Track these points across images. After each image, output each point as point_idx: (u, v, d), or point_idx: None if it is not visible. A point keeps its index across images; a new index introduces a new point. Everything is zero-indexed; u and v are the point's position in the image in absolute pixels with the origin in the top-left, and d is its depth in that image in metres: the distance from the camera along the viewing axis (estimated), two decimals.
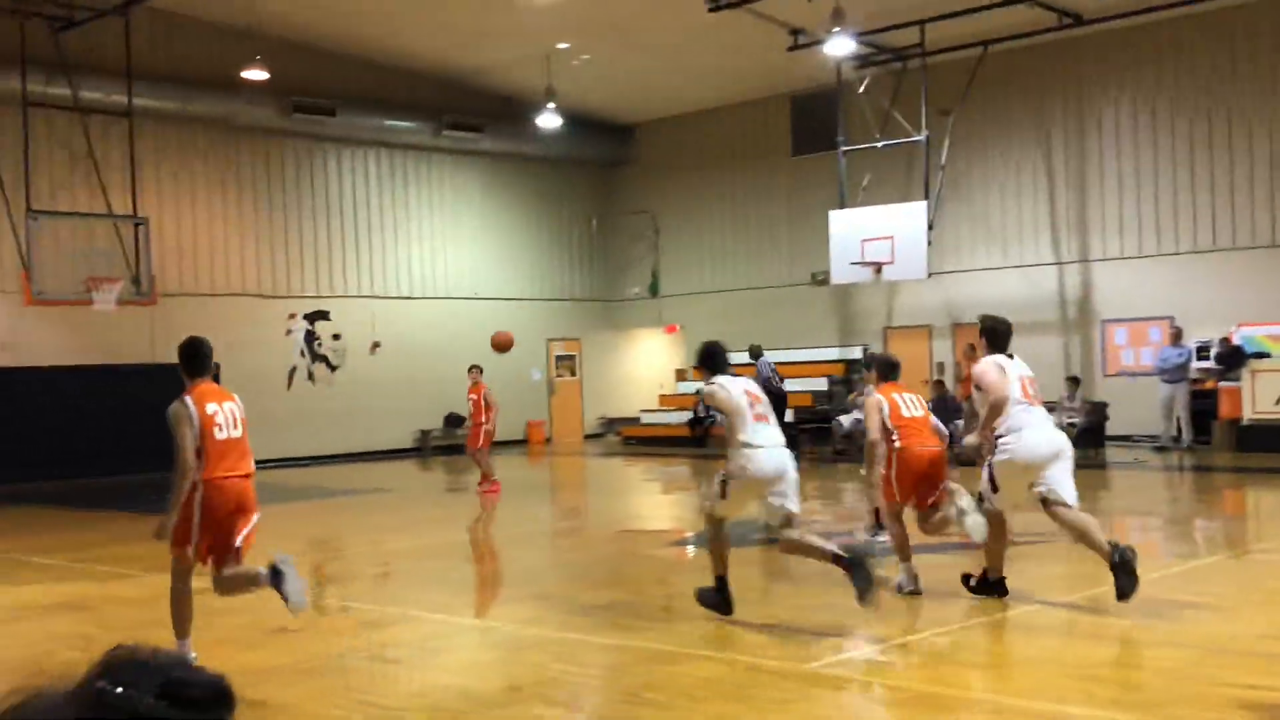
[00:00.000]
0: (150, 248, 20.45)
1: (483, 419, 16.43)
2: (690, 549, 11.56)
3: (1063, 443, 7.75)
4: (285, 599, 6.59)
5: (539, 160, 27.34)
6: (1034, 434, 7.66)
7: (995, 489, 7.77)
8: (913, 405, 8.50)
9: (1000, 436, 7.69)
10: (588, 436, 28.04)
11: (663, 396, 26.92)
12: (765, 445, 7.48)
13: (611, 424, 28.19)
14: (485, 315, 26.45)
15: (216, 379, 6.96)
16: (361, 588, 9.99)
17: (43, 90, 20.02)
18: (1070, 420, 18.79)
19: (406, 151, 25.55)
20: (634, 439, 25.68)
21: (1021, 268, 22.74)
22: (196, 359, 6.84)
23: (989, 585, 8.04)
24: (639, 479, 20.42)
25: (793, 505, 7.44)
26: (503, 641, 7.64)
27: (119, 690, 0.97)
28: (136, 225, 20.39)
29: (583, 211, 28.47)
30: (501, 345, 14.86)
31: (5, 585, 9.73)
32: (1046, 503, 7.60)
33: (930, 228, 20.31)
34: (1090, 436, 18.88)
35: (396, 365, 24.41)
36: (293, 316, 23.92)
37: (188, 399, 6.69)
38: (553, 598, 8.83)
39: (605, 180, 28.85)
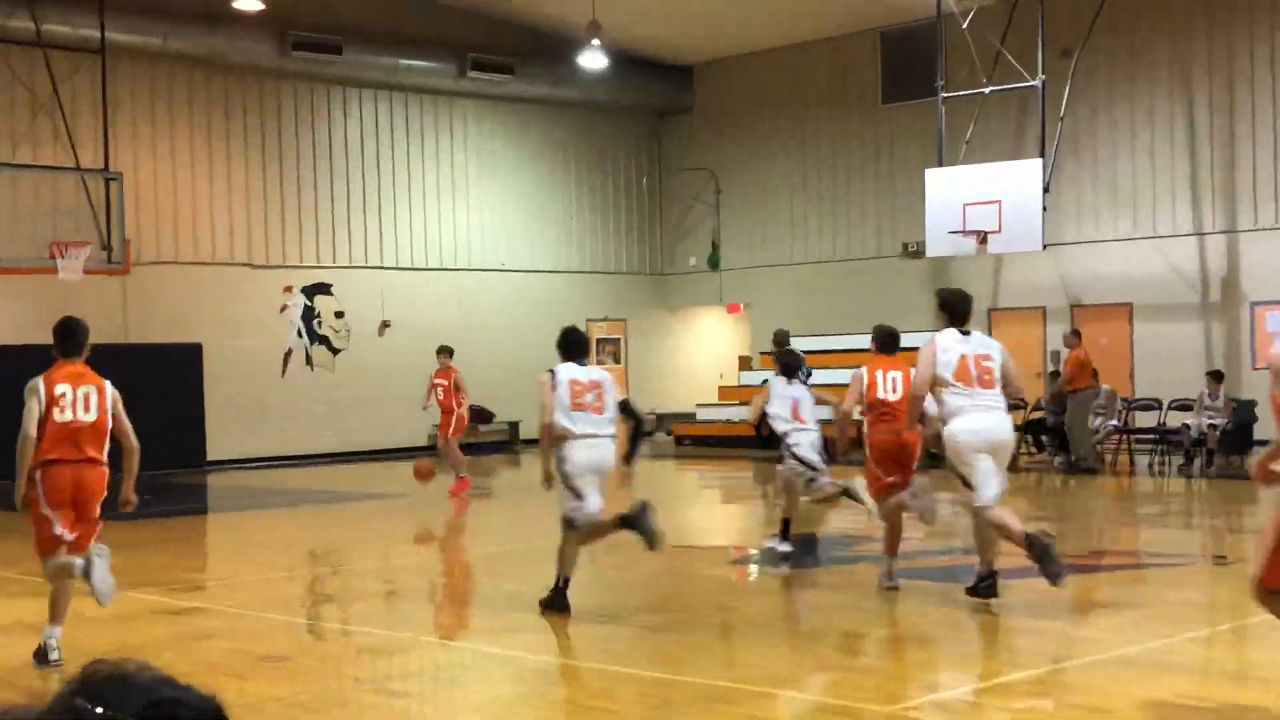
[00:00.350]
0: (124, 208, 20.71)
1: (454, 405, 17.31)
2: (754, 569, 11.59)
3: (996, 429, 8.62)
4: (92, 589, 7.73)
5: (580, 107, 27.45)
6: (972, 418, 8.54)
7: (966, 483, 8.63)
8: (895, 386, 9.50)
9: (944, 425, 8.59)
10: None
11: (723, 389, 26.96)
12: (583, 436, 8.90)
13: (662, 421, 28.30)
14: (514, 290, 26.72)
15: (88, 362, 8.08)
16: (366, 609, 10.13)
17: (0, 22, 20.32)
18: (1211, 421, 18.60)
19: (424, 97, 25.76)
20: (689, 439, 25.74)
21: (1155, 239, 22.49)
22: (67, 340, 8.00)
23: (979, 587, 8.93)
24: (694, 486, 20.45)
25: (592, 505, 8.91)
26: (529, 674, 7.72)
27: (98, 710, 0.98)
28: (108, 181, 20.64)
29: (631, 168, 28.60)
30: (423, 474, 16.04)
31: None
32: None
33: (1046, 191, 20.10)
34: (1235, 441, 18.65)
35: (410, 349, 24.45)
36: (289, 290, 24.14)
37: (39, 378, 7.86)
38: (590, 623, 8.89)
39: (658, 131, 28.91)
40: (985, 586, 8.92)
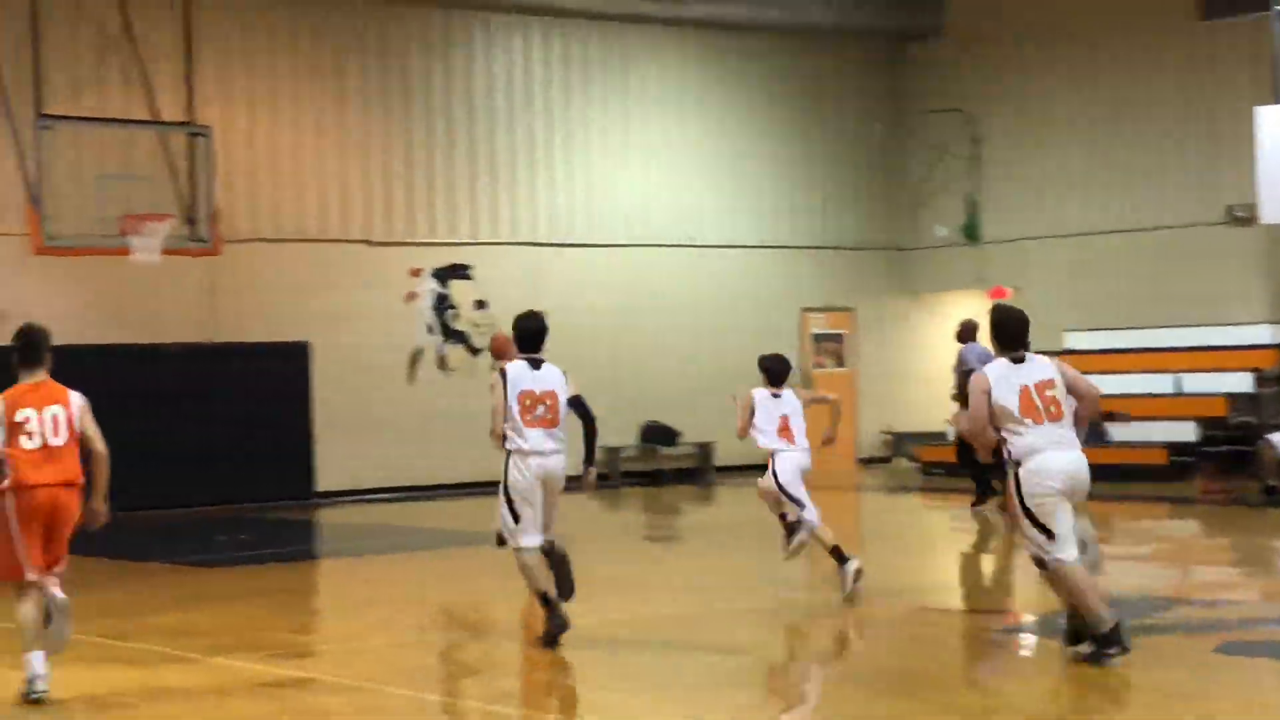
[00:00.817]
0: (212, 171, 21.19)
1: None
2: (1028, 639, 11.38)
3: (1077, 472, 9.31)
4: (46, 634, 9.14)
5: (791, 33, 27.30)
6: (1048, 459, 9.25)
7: (1046, 534, 9.30)
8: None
9: (1019, 466, 9.31)
10: (865, 460, 27.97)
11: None
12: (535, 451, 10.53)
13: (902, 441, 27.95)
14: (705, 271, 26.66)
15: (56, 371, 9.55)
16: (514, 682, 10.19)
17: None
18: None
19: (589, 24, 25.88)
20: (938, 466, 25.40)
21: None
22: (28, 350, 9.44)
23: (1080, 639, 9.53)
24: (945, 529, 20.12)
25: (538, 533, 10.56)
26: None
27: None
28: (193, 137, 21.22)
29: (859, 111, 28.38)
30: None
31: None
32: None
33: None
34: None
35: (569, 347, 24.00)
36: (416, 273, 24.45)
37: (2, 397, 9.23)
38: (809, 707, 8.86)
39: (895, 63, 28.67)
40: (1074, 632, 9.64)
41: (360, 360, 23.51)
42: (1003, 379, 9.37)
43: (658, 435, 25.75)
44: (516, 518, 10.66)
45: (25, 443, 9.15)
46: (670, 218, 26.59)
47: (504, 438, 10.60)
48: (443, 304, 24.61)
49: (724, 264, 26.86)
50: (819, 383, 27.56)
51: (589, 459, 11.24)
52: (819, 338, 27.90)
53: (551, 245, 25.52)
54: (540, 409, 10.64)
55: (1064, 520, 9.28)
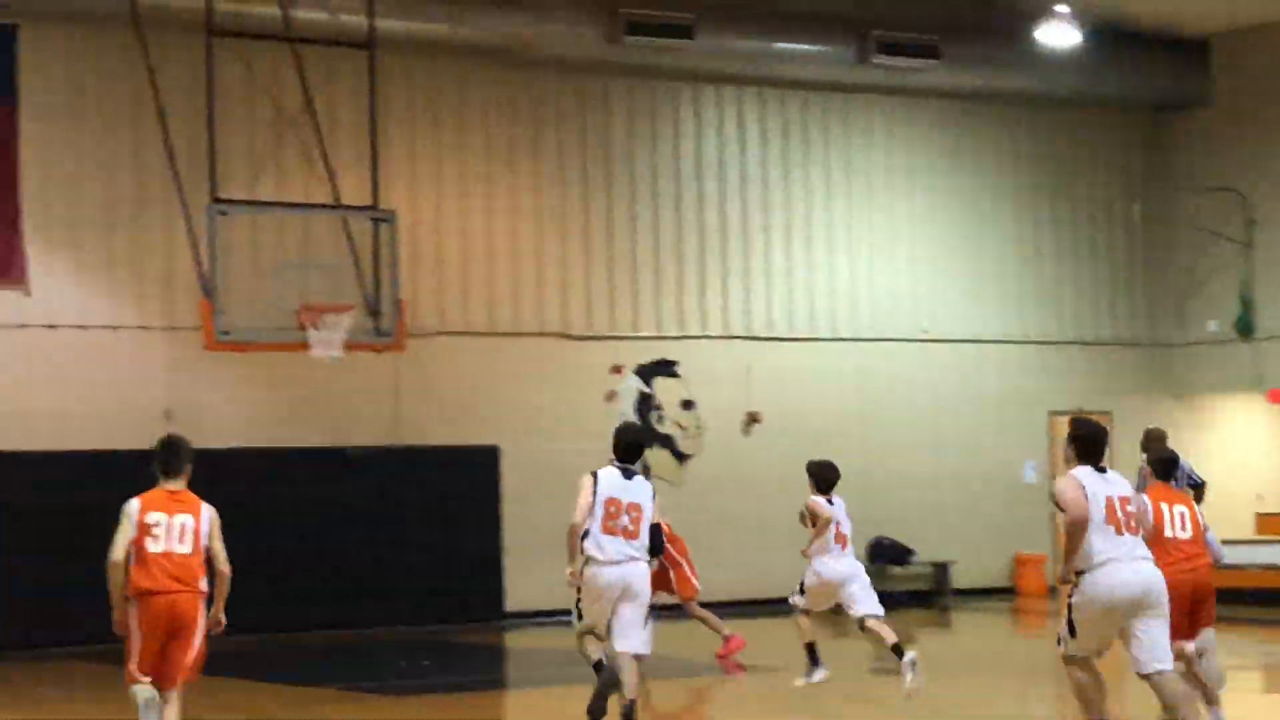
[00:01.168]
0: (397, 258, 21.13)
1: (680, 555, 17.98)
2: None
3: (1154, 583, 10.37)
4: None
5: (1037, 103, 27.13)
6: (1118, 570, 10.34)
7: (1073, 633, 10.59)
8: (1184, 524, 11.91)
9: (1080, 571, 10.44)
10: None
11: (1264, 517, 26.34)
12: (609, 561, 11.74)
13: None
14: (942, 369, 26.40)
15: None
16: None
17: (236, 8, 21.11)
18: None
19: (808, 94, 25.77)
20: (1220, 591, 24.24)
21: None
22: (169, 459, 10.58)
23: None
24: (1238, 666, 19.19)
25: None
26: None
27: None
28: (376, 223, 21.16)
29: (1115, 190, 28.01)
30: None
31: None
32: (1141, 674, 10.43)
33: None
34: None
35: (785, 453, 23.86)
36: (618, 370, 24.34)
37: (135, 500, 10.38)
38: None
39: (1156, 135, 28.20)
40: None
41: (554, 466, 22.81)
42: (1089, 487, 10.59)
43: (887, 553, 25.34)
44: (580, 615, 12.18)
45: (151, 545, 10.23)
46: (899, 309, 26.31)
47: (584, 539, 11.81)
48: (646, 404, 24.45)
49: (960, 361, 26.42)
50: None
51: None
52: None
53: (766, 339, 25.32)
54: (624, 519, 11.97)
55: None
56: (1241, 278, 27.08)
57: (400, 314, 21.12)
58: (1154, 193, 28.02)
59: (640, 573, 12.00)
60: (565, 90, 24.16)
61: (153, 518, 10.29)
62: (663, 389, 24.56)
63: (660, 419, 24.49)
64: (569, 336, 24.01)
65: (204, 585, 10.34)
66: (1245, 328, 27.04)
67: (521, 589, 23.08)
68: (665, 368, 24.59)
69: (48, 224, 21.14)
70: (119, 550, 10.21)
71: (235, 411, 21.79)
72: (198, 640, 10.32)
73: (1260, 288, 26.94)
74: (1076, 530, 10.54)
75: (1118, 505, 10.47)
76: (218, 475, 20.36)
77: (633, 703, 11.80)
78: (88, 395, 20.99)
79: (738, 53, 24.67)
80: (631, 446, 12.54)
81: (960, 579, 25.48)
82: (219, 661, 16.43)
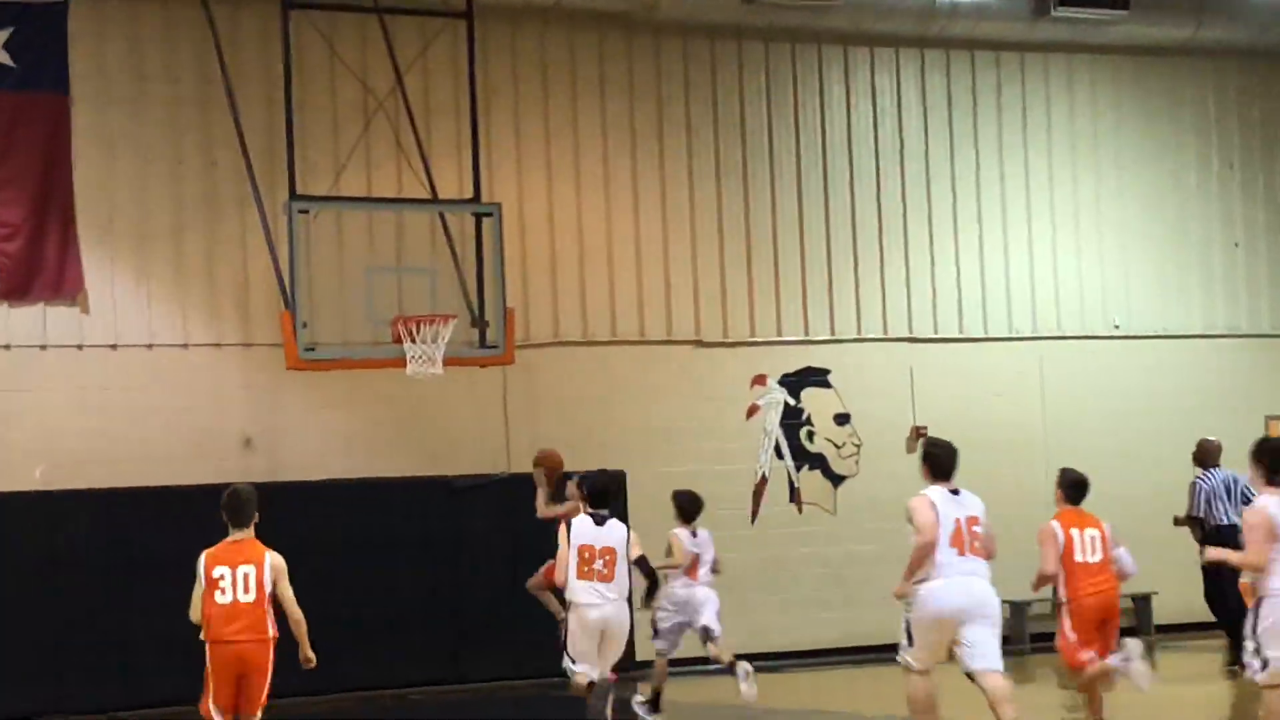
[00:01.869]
0: (502, 258, 21.18)
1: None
2: None
3: (984, 598, 13.51)
4: None
5: (1246, 57, 26.93)
6: (951, 586, 13.27)
7: (911, 641, 13.61)
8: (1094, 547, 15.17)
9: (920, 582, 13.27)
10: None
11: None
12: (586, 604, 14.63)
13: None
14: (1140, 369, 26.24)
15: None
16: None
17: None
18: None
19: (976, 54, 25.72)
20: None
21: None
22: (235, 512, 12.74)
23: None
24: None
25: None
26: None
27: None
28: (479, 219, 21.14)
29: None
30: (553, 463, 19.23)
31: None
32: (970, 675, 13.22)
33: None
34: None
35: (960, 471, 23.82)
36: (760, 381, 24.32)
37: (203, 555, 12.58)
38: None
39: None
40: None
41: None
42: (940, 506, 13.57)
43: None
44: (574, 659, 14.83)
45: (218, 598, 12.38)
46: (1086, 301, 26.21)
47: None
48: (793, 419, 24.46)
49: (1159, 360, 26.26)
50: None
51: (645, 601, 16.37)
52: None
53: (932, 341, 25.26)
54: (599, 564, 14.53)
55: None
56: None
57: (508, 322, 21.07)
58: None
59: (618, 612, 14.80)
60: (694, 59, 24.19)
61: (218, 571, 12.47)
62: (812, 401, 24.55)
63: (811, 436, 24.52)
64: (703, 344, 24.03)
65: (272, 631, 12.45)
66: None
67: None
68: (815, 377, 24.58)
69: (106, 230, 21.30)
70: (194, 609, 12.61)
71: (322, 438, 21.95)
72: (267, 682, 12.56)
73: None
74: (925, 552, 13.29)
75: (964, 526, 13.38)
76: (303, 510, 20.65)
77: None
78: (155, 423, 21.16)
79: (894, 9, 24.61)
80: (602, 493, 15.01)
81: (1164, 613, 25.38)
82: None
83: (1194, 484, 21.99)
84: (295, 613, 12.55)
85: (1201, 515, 21.78)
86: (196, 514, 20.80)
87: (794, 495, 24.31)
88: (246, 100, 21.13)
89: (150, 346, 21.44)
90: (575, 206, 23.59)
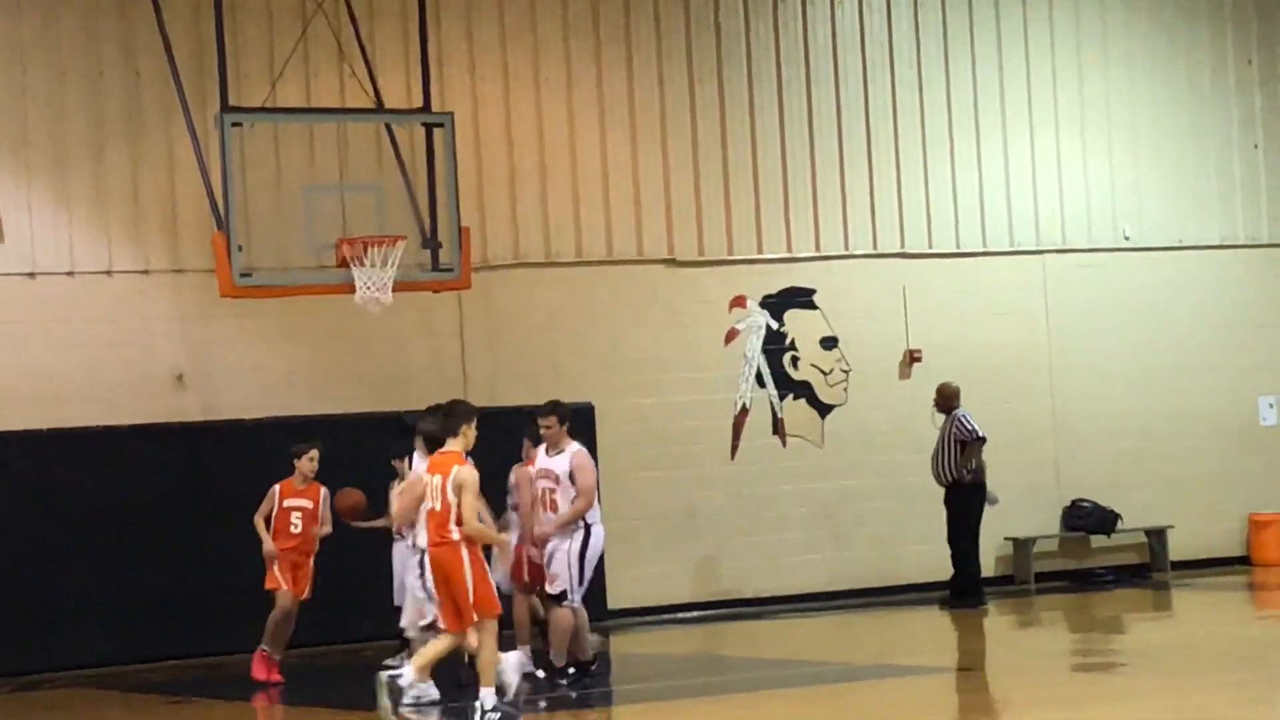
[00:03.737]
0: (456, 173, 20.89)
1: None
2: None
3: None
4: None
5: None
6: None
7: (583, 580, 16.95)
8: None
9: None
10: None
11: None
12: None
13: None
14: (1153, 286, 26.31)
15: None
16: None
17: None
18: None
19: None
20: None
21: None
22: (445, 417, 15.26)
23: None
24: None
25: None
26: None
27: None
28: (430, 131, 20.93)
29: None
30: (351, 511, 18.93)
31: None
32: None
33: None
34: None
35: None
36: (739, 304, 24.17)
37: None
38: None
39: None
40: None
41: (662, 427, 23.29)
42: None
43: (1087, 519, 25.21)
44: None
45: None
46: (1094, 211, 26.12)
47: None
48: (776, 344, 24.31)
49: (1174, 274, 26.21)
50: None
51: None
52: None
53: (926, 256, 25.16)
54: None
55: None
56: None
57: (463, 243, 20.89)
58: None
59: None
60: None
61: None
62: (796, 324, 24.38)
63: (794, 362, 24.34)
64: (677, 263, 23.86)
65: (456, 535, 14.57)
66: None
67: (626, 582, 22.96)
68: (800, 298, 24.42)
69: (20, 149, 20.97)
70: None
71: (261, 373, 21.80)
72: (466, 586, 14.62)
73: None
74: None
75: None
76: (241, 452, 20.69)
77: None
78: (77, 358, 20.93)
79: None
80: (430, 439, 15.77)
81: (1180, 548, 25.37)
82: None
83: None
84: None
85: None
86: (123, 457, 20.94)
87: (777, 427, 24.21)
88: (172, 3, 20.82)
89: (70, 274, 21.14)
90: (535, 116, 23.36)
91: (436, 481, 14.59)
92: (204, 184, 20.07)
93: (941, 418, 23.10)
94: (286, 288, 20.43)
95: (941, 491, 23.26)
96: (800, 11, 24.59)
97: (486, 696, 14.46)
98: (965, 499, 22.99)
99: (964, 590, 23.03)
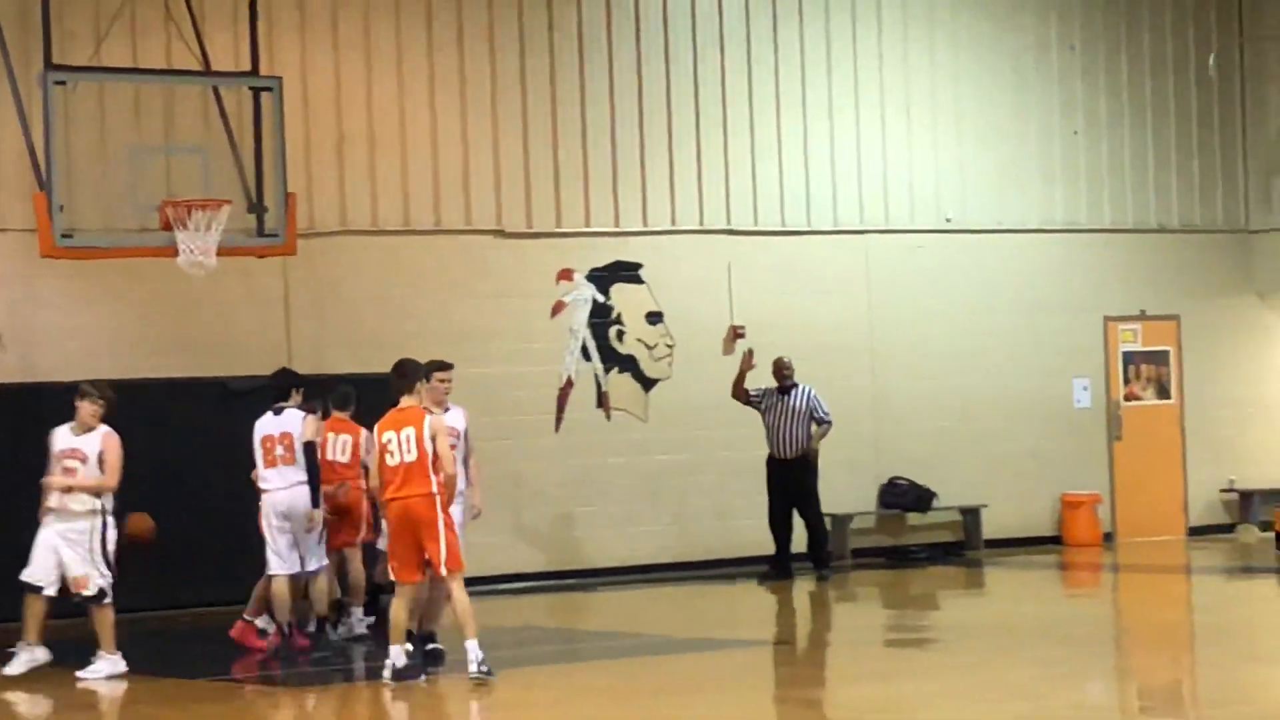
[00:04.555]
0: (284, 139, 20.82)
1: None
2: None
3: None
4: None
5: None
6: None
7: None
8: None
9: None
10: (1198, 530, 27.64)
11: None
12: (274, 488, 18.00)
13: (1250, 502, 27.46)
14: (973, 267, 26.57)
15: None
16: None
17: None
18: None
19: None
20: None
21: None
22: (399, 376, 15.59)
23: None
24: None
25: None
26: None
27: None
28: (258, 94, 20.88)
29: (1186, 41, 28.03)
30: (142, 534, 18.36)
31: None
32: None
33: None
34: None
35: (774, 375, 24.08)
36: (567, 276, 24.24)
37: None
38: None
39: None
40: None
41: (488, 399, 22.90)
42: None
43: (904, 497, 25.53)
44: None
45: (389, 460, 15.23)
46: (917, 193, 26.30)
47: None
48: (603, 317, 24.41)
49: (994, 257, 26.52)
50: (1135, 422, 27.32)
51: (315, 502, 17.74)
52: (1132, 357, 27.50)
53: (751, 234, 25.23)
54: (279, 449, 17.73)
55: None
56: None
57: (289, 209, 20.76)
58: (1235, 43, 28.06)
59: (302, 496, 17.68)
60: None
61: (386, 436, 15.16)
62: (623, 298, 24.48)
63: (620, 336, 24.45)
64: (504, 234, 23.82)
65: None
66: None
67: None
68: (626, 272, 24.48)
69: None
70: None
71: (83, 335, 21.54)
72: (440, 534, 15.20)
73: None
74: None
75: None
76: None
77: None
78: None
79: None
80: (281, 392, 18.07)
81: (994, 527, 25.67)
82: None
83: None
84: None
85: None
86: None
87: (602, 400, 24.32)
88: None
89: None
90: (365, 82, 23.25)
91: (408, 434, 14.88)
92: (26, 143, 19.77)
93: (771, 389, 23.45)
94: (109, 249, 20.30)
95: (762, 465, 23.62)
96: None
97: (471, 648, 14.88)
98: (813, 470, 23.43)
99: (824, 557, 23.54)
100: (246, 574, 19.15)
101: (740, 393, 23.50)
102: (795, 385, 23.46)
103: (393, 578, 15.39)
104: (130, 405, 20.97)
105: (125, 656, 16.52)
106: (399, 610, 15.06)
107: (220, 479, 21.19)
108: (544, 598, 22.69)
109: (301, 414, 17.84)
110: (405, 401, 15.16)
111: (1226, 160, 28.11)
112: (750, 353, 23.67)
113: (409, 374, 15.39)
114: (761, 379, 23.80)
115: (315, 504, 17.58)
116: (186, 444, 21.28)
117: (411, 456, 14.85)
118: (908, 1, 26.19)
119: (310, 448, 17.66)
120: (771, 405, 23.46)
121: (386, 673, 15.04)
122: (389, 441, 14.96)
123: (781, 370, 23.55)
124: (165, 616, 20.87)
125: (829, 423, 23.38)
